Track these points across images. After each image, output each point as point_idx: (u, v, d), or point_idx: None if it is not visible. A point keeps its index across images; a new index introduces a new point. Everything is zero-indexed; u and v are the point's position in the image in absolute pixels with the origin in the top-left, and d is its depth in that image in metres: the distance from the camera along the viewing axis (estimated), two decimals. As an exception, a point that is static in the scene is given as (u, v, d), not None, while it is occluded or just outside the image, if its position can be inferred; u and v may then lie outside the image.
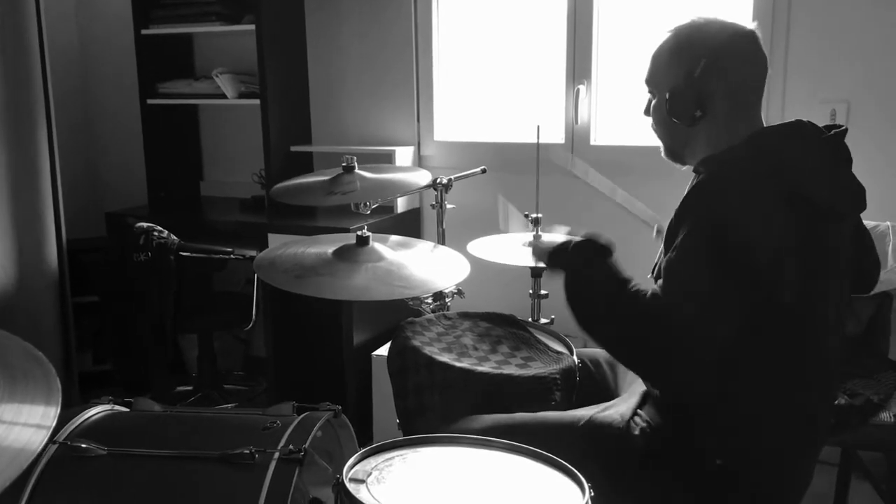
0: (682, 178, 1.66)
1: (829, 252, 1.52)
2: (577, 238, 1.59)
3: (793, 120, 1.57)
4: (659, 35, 1.64)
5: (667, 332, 1.38)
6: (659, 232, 2.02)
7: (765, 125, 1.59)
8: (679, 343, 1.38)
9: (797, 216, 1.45)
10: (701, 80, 1.54)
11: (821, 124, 1.57)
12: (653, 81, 1.64)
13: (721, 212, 1.42)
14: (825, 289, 1.50)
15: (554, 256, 1.60)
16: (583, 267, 1.54)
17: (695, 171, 1.59)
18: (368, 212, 2.41)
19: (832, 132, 1.54)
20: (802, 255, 1.43)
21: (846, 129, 1.55)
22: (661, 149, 1.70)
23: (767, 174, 1.46)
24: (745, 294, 1.38)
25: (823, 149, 1.52)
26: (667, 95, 1.58)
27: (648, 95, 1.68)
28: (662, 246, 1.62)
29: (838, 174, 1.54)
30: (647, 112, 1.70)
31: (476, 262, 2.25)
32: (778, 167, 1.47)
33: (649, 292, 1.43)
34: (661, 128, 1.65)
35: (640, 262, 1.73)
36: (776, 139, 1.53)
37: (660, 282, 1.44)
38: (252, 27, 3.35)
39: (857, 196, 1.55)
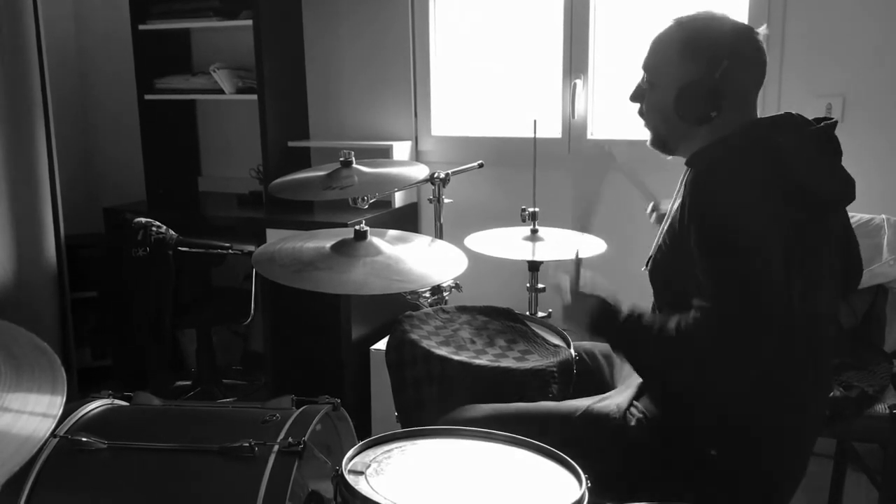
0: (679, 172, 1.67)
1: (822, 242, 1.53)
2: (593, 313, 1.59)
3: (782, 112, 1.58)
4: (663, 23, 1.60)
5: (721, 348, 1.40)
6: (655, 211, 2.03)
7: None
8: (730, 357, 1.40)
9: (794, 206, 1.46)
10: (721, 81, 1.52)
11: (815, 118, 1.58)
12: (655, 71, 1.60)
13: (723, 212, 1.44)
14: (816, 280, 1.51)
15: (592, 331, 1.60)
16: (615, 338, 1.57)
17: (687, 164, 1.59)
18: (366, 206, 2.41)
19: (822, 123, 1.54)
20: (799, 245, 1.44)
21: (836, 122, 1.55)
22: (649, 137, 1.67)
23: (765, 165, 1.47)
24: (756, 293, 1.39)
25: (814, 139, 1.53)
26: (675, 91, 1.56)
27: (642, 83, 1.64)
28: (661, 238, 1.63)
29: (830, 164, 1.55)
30: (636, 98, 1.66)
31: (473, 257, 2.26)
32: (774, 157, 1.47)
33: (683, 320, 1.43)
34: (659, 119, 1.62)
35: (639, 251, 1.74)
36: (770, 130, 1.54)
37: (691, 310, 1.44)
38: (249, 22, 3.35)
39: (847, 187, 1.55)
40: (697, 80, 1.53)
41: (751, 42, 1.55)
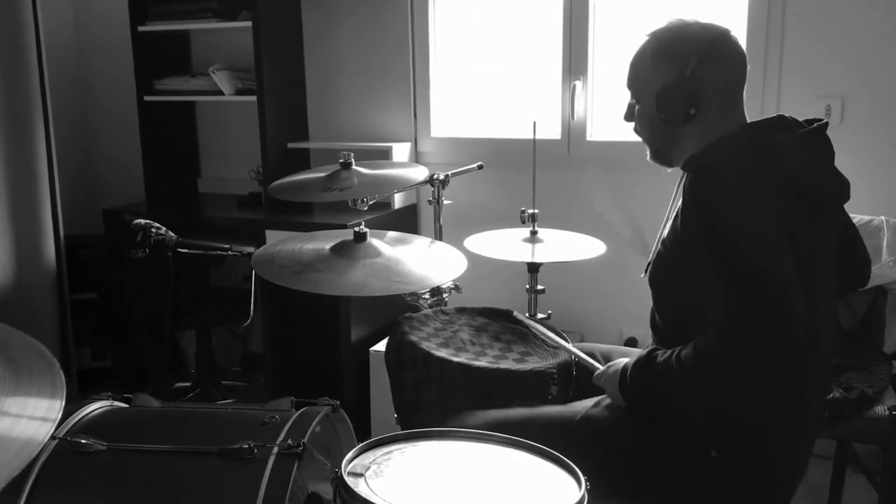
0: (678, 173, 1.67)
1: (819, 243, 1.54)
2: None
3: (773, 115, 1.59)
4: (637, 40, 1.66)
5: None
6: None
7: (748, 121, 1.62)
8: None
9: (790, 208, 1.47)
10: (693, 78, 1.55)
11: (806, 119, 1.59)
12: (637, 85, 1.65)
13: (724, 215, 1.44)
14: (816, 280, 1.51)
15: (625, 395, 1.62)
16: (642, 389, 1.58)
17: (683, 168, 1.60)
18: (366, 208, 2.41)
19: (814, 125, 1.56)
20: (796, 247, 1.44)
21: (827, 123, 1.57)
22: (648, 152, 1.71)
23: (760, 165, 1.48)
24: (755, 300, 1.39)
25: (807, 140, 1.54)
26: (654, 97, 1.59)
27: (630, 100, 1.69)
28: (660, 243, 1.63)
29: (824, 165, 1.56)
30: (629, 117, 1.70)
31: (473, 258, 2.26)
32: (772, 157, 1.48)
33: (691, 354, 1.44)
34: (648, 130, 1.67)
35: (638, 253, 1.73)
36: (763, 131, 1.55)
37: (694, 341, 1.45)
38: (249, 24, 3.35)
39: (842, 187, 1.57)
40: (671, 82, 1.57)
41: (721, 40, 1.58)
